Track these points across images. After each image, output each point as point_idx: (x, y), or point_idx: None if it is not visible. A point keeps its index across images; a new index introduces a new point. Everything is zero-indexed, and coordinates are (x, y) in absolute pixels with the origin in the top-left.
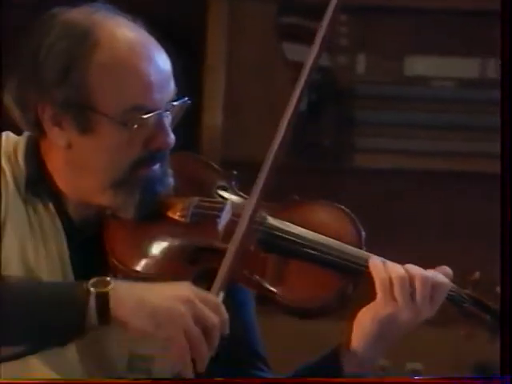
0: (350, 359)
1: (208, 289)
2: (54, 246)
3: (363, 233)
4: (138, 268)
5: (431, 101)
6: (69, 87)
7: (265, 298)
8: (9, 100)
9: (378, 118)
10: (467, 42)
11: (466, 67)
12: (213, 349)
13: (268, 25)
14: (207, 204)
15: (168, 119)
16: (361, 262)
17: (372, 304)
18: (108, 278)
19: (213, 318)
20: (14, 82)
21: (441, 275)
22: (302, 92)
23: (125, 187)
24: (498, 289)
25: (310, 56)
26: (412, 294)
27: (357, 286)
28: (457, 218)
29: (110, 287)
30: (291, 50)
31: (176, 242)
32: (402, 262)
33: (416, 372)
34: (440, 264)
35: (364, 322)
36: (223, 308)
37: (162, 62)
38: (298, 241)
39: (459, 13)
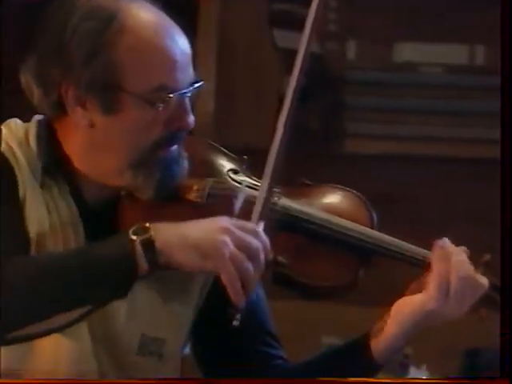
0: (382, 346)
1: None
2: (70, 229)
3: (376, 218)
4: None
5: (420, 87)
6: (96, 68)
7: (280, 276)
8: (28, 78)
9: (368, 104)
10: (456, 28)
11: (454, 53)
12: (260, 272)
13: (259, 11)
14: (223, 185)
15: (188, 100)
16: (399, 250)
17: (420, 295)
18: (147, 224)
19: (254, 242)
20: (35, 60)
21: (485, 280)
22: (299, 77)
23: (144, 168)
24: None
25: (302, 44)
26: (463, 294)
27: (368, 270)
28: (446, 203)
29: (151, 232)
30: (282, 37)
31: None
32: None
33: (406, 356)
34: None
35: (407, 312)
36: (263, 233)
37: (184, 43)
38: (314, 220)
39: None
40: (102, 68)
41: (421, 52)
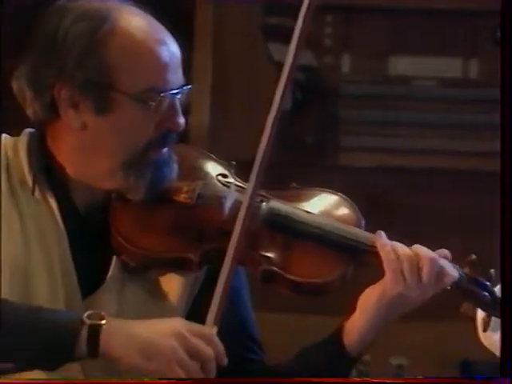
0: (353, 338)
1: (216, 269)
2: (51, 236)
3: (363, 221)
4: (145, 245)
5: (414, 100)
6: (88, 68)
7: (270, 276)
8: (21, 84)
9: (362, 117)
10: (449, 42)
11: (448, 67)
12: (211, 375)
13: (254, 25)
14: (212, 187)
15: (178, 102)
16: (366, 242)
17: (378, 284)
18: (103, 313)
19: (207, 351)
20: (28, 66)
21: (450, 265)
22: (286, 87)
23: (135, 169)
24: (493, 271)
25: (289, 54)
26: (420, 274)
27: (357, 268)
28: (441, 214)
29: (103, 321)
30: (277, 51)
31: (182, 223)
32: None
33: (400, 367)
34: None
35: (370, 301)
36: (217, 339)
37: (173, 46)
38: (302, 220)
39: (442, 13)
40: (95, 68)
41: (415, 65)
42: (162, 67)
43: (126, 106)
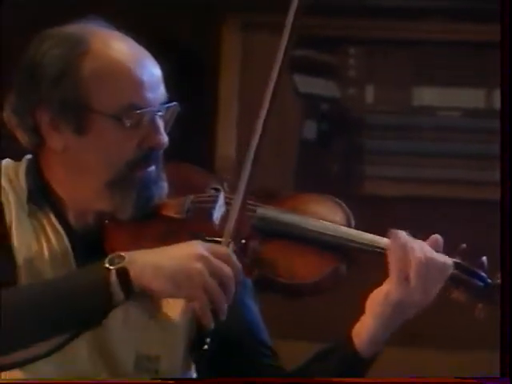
0: (363, 339)
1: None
2: (60, 256)
3: (353, 221)
4: None
5: (438, 130)
6: (64, 89)
7: (264, 282)
8: (8, 112)
9: (387, 147)
10: (473, 73)
11: (471, 97)
12: (230, 298)
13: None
14: (201, 199)
15: (161, 121)
16: (356, 240)
17: (384, 285)
18: (122, 253)
19: (227, 270)
20: (13, 94)
21: (448, 259)
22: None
23: (121, 188)
24: (484, 258)
25: (280, 47)
26: (426, 277)
27: (350, 266)
28: (466, 244)
29: (126, 260)
30: (302, 82)
31: (173, 236)
32: None
33: None
34: None
35: (376, 303)
36: (234, 258)
37: (152, 65)
38: (292, 223)
39: (465, 45)
40: (70, 89)
41: (439, 96)
42: (137, 85)
43: (102, 125)
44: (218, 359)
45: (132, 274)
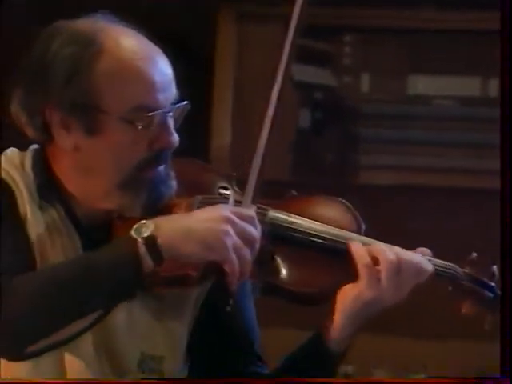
0: (333, 333)
1: (216, 282)
2: (71, 250)
3: (363, 225)
4: None
5: (433, 119)
6: (75, 90)
7: (270, 288)
8: (16, 108)
9: (382, 136)
10: (468, 61)
11: (467, 86)
12: (254, 256)
13: (275, 44)
14: (212, 200)
15: (171, 120)
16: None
17: (355, 284)
18: (145, 221)
19: (252, 231)
20: (21, 90)
21: (425, 260)
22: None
23: (131, 188)
24: (494, 267)
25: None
26: (398, 278)
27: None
28: (458, 234)
29: (153, 228)
30: (298, 71)
31: None
32: None
33: None
34: None
35: (346, 300)
36: (256, 219)
37: (164, 64)
38: (300, 229)
39: (460, 32)
40: (81, 89)
41: (434, 85)
42: (149, 86)
43: (113, 127)
44: (207, 357)
45: (160, 240)
